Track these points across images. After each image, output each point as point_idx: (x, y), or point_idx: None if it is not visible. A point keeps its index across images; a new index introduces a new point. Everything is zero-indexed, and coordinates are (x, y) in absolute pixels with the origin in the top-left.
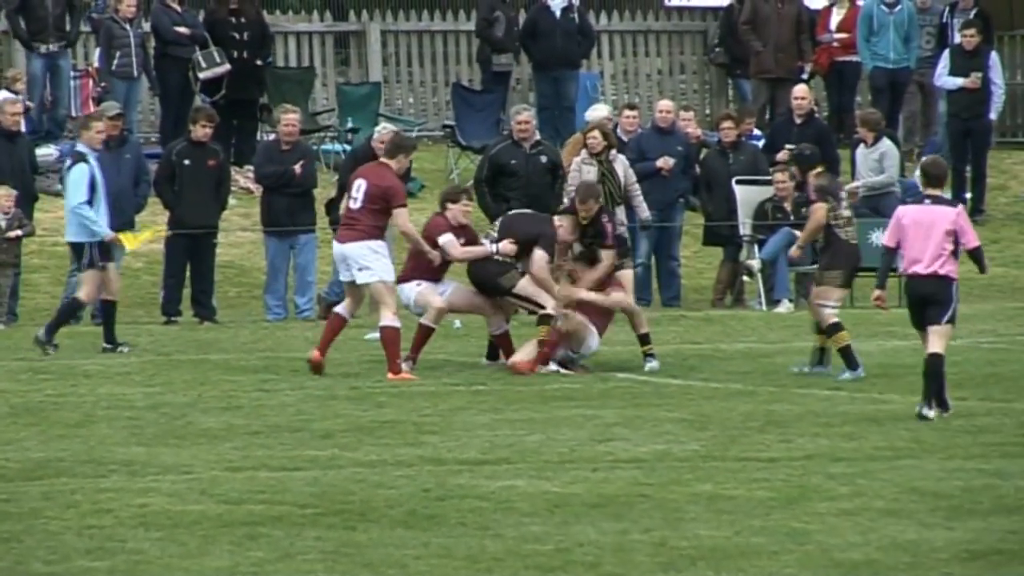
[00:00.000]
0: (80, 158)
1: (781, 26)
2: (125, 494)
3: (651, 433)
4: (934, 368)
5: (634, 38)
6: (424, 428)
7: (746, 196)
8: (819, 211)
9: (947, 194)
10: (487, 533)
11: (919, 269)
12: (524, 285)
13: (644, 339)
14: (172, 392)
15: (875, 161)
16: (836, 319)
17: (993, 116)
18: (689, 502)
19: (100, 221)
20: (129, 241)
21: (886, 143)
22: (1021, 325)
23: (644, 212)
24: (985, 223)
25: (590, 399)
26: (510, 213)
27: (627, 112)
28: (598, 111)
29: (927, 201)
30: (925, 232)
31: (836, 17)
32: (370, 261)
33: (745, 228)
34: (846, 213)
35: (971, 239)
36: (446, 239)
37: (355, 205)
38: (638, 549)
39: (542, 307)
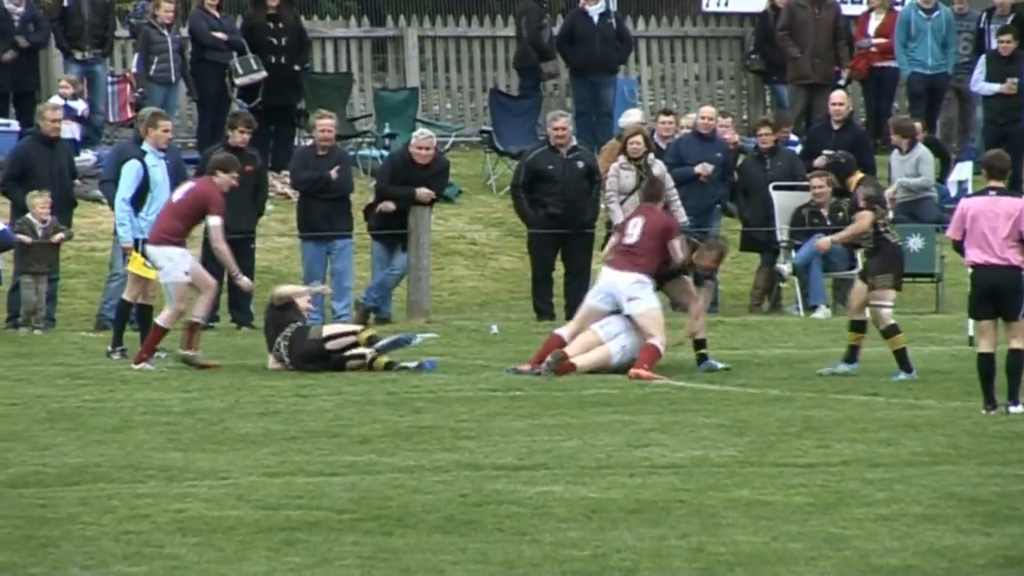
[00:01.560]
0: (135, 154)
1: (818, 32)
2: (162, 499)
3: (688, 439)
4: (1017, 363)
5: (672, 43)
6: (461, 433)
7: (783, 202)
8: (865, 219)
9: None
10: (524, 539)
11: (989, 258)
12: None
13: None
14: (209, 397)
15: (912, 167)
16: (893, 321)
17: None
18: (726, 508)
19: (130, 224)
20: (135, 263)
21: (921, 148)
22: None
23: (682, 217)
24: None
25: (627, 404)
26: None
27: (663, 117)
28: (631, 116)
29: (992, 193)
30: (991, 223)
31: (874, 22)
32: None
33: (782, 234)
34: (890, 216)
35: None
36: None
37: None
38: (675, 555)
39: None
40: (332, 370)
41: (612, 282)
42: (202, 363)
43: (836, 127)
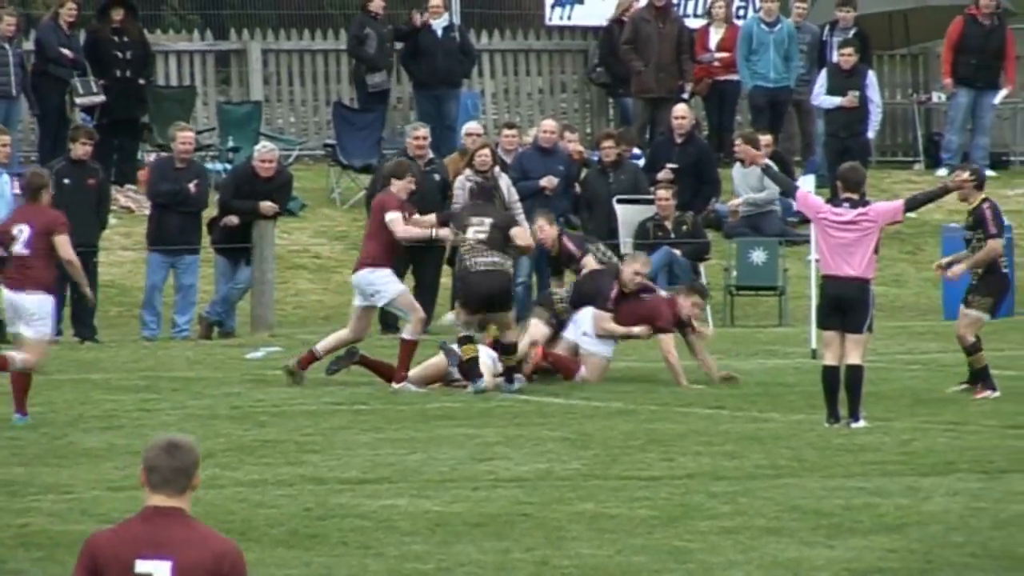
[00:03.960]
0: None
1: (662, 45)
2: (5, 514)
3: (532, 452)
4: (856, 379)
5: (515, 57)
6: (305, 447)
7: (627, 215)
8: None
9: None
10: (368, 552)
11: (839, 270)
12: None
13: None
14: (53, 412)
15: (756, 180)
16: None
17: (871, 135)
18: (571, 521)
19: None
20: None
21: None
22: (901, 344)
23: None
24: None
25: (471, 418)
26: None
27: (507, 131)
28: (470, 127)
29: (846, 204)
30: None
31: (715, 36)
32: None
33: (626, 247)
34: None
35: (897, 210)
36: (392, 216)
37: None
38: (519, 568)
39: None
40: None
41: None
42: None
43: (679, 140)
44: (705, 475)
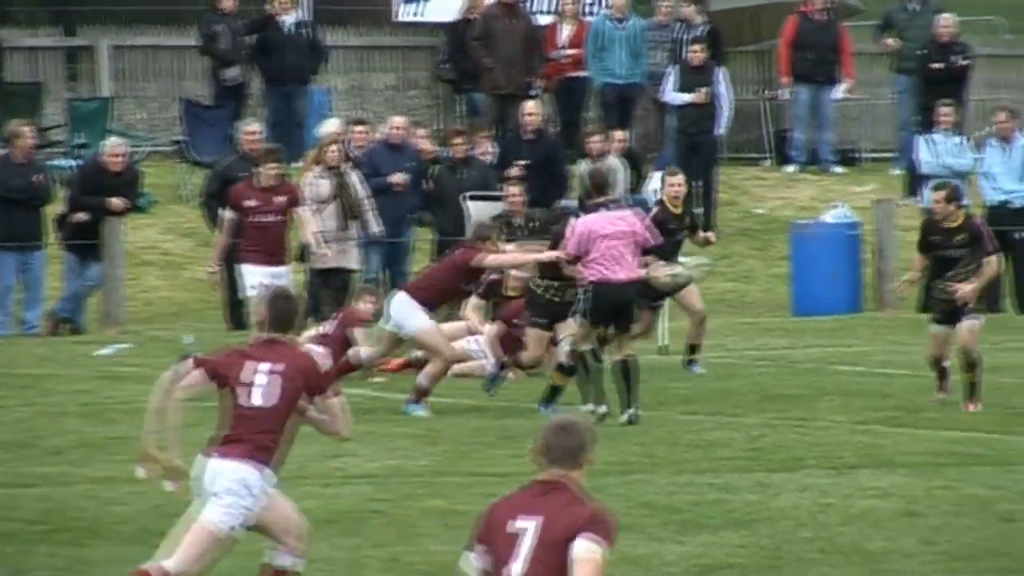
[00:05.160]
0: None
1: (512, 42)
2: None
3: (383, 448)
4: (627, 371)
5: (366, 53)
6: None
7: (477, 211)
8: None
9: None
10: None
11: (611, 275)
12: None
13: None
14: None
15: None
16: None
17: (721, 131)
18: (421, 517)
19: None
20: None
21: (612, 159)
22: (750, 340)
23: (374, 227)
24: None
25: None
26: None
27: (357, 127)
28: (329, 126)
29: (603, 209)
30: (612, 239)
31: (564, 33)
32: None
33: None
34: None
35: (654, 237)
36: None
37: None
38: (370, 565)
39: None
40: None
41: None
42: None
43: (529, 137)
44: None
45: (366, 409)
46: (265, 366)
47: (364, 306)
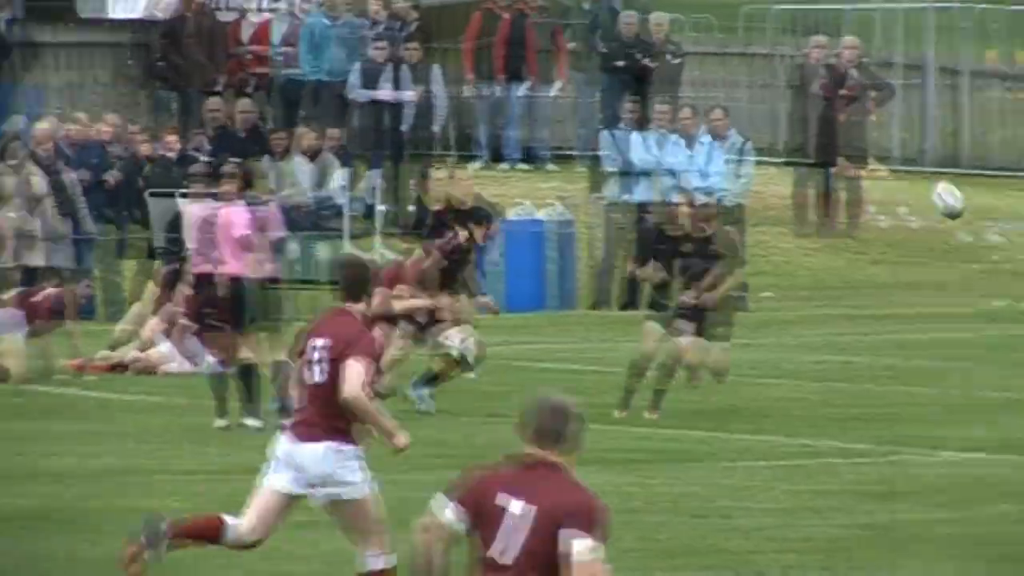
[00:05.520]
0: None
1: (198, 39)
2: None
3: (68, 446)
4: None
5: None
6: None
7: (158, 208)
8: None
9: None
10: None
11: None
12: None
13: None
14: None
15: (318, 177)
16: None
17: (436, 128)
18: (103, 516)
19: None
20: None
21: (296, 157)
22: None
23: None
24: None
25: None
26: None
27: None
28: (46, 124)
29: (209, 199)
30: (223, 232)
31: (248, 30)
32: None
33: (159, 240)
34: None
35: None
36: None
37: None
38: (52, 561)
39: None
40: None
41: None
42: None
43: (213, 133)
44: (241, 469)
45: (49, 408)
46: None
47: None
